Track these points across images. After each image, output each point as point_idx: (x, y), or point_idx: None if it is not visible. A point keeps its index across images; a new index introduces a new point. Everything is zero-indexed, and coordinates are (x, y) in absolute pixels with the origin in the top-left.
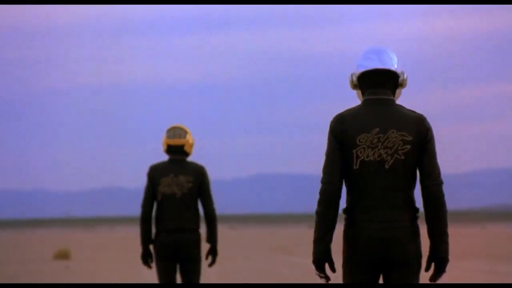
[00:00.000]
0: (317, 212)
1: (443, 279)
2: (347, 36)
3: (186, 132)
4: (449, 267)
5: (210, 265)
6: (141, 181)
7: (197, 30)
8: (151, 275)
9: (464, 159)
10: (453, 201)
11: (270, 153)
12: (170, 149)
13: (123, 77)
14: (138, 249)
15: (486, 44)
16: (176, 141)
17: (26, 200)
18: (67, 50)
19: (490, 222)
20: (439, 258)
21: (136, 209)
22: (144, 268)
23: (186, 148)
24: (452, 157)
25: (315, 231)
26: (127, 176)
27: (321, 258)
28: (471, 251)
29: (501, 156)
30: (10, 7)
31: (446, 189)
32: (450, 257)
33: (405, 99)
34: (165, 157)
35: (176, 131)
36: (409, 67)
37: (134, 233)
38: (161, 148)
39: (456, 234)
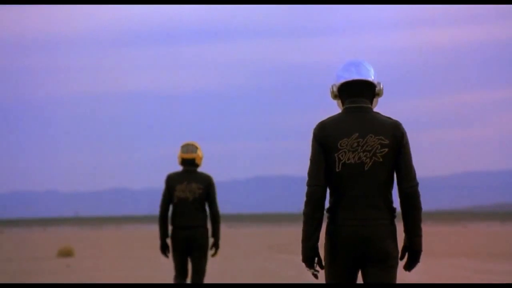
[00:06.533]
0: (304, 213)
1: (432, 279)
2: (344, 47)
3: (197, 148)
4: (435, 264)
5: (213, 255)
6: (146, 183)
7: (196, 39)
8: (151, 273)
9: (446, 163)
10: (436, 202)
11: (268, 157)
12: (183, 162)
13: (128, 85)
14: (142, 246)
15: (466, 54)
16: (189, 155)
17: (39, 201)
18: (93, 58)
19: (471, 222)
20: (414, 251)
21: (140, 209)
22: (146, 265)
23: (197, 161)
24: (434, 160)
25: (303, 231)
26: (132, 178)
27: (310, 255)
28: (455, 249)
29: (481, 160)
30: (8, 17)
31: (430, 191)
32: (436, 254)
33: (390, 105)
34: (174, 167)
35: (189, 147)
36: (392, 76)
37: (139, 232)
38: (176, 160)
39: (440, 233)
